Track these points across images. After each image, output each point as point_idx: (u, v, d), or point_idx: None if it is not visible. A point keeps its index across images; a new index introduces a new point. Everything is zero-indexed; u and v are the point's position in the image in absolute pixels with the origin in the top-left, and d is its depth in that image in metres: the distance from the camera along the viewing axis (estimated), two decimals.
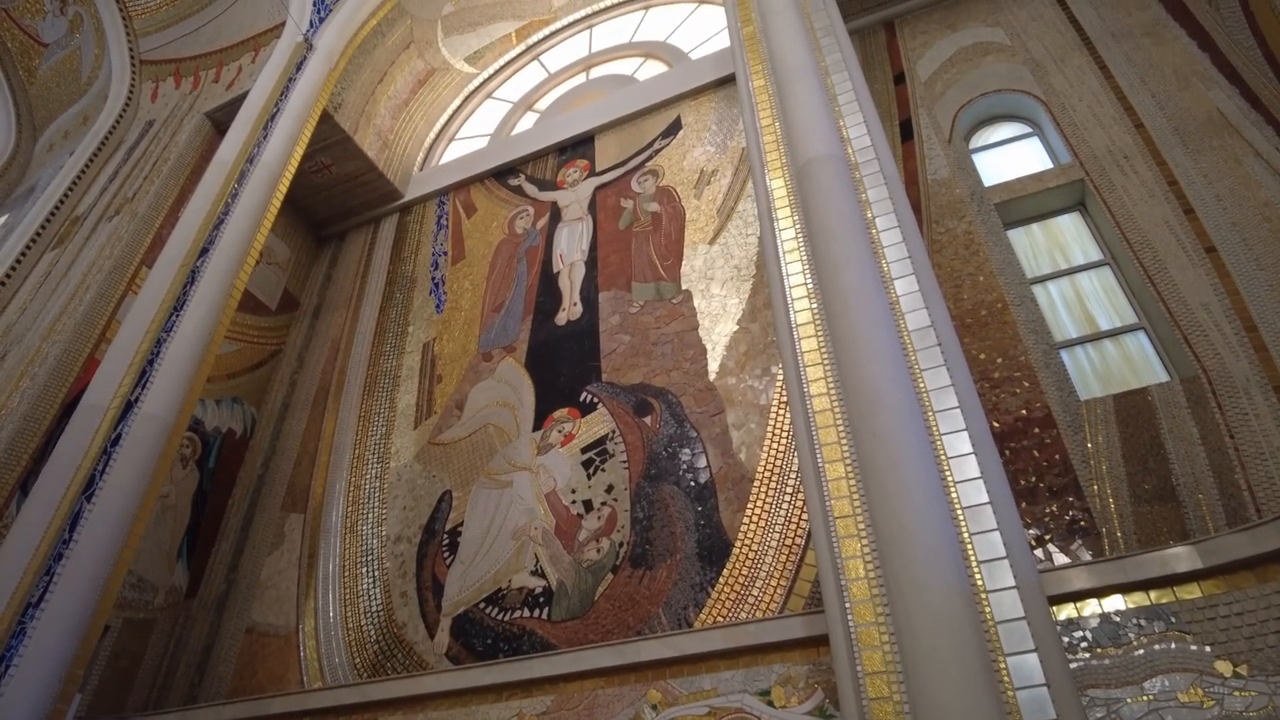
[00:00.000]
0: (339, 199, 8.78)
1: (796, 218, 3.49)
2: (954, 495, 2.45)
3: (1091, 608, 3.07)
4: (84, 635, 4.25)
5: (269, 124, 7.03)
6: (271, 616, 5.92)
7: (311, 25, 8.00)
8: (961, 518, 2.39)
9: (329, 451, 6.76)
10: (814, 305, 3.12)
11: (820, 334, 3.03)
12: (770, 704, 3.32)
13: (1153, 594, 3.07)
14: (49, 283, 7.23)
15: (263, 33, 8.61)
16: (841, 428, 2.72)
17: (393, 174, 8.81)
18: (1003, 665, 2.10)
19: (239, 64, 8.59)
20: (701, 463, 5.00)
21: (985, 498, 2.42)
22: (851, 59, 4.25)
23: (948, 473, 2.50)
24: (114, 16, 9.50)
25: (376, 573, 5.67)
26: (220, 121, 8.09)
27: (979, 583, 2.26)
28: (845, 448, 2.68)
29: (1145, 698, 2.86)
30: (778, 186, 3.71)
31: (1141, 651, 2.95)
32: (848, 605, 2.34)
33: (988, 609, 2.19)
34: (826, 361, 2.93)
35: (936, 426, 2.61)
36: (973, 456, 2.52)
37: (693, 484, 4.94)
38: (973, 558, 2.31)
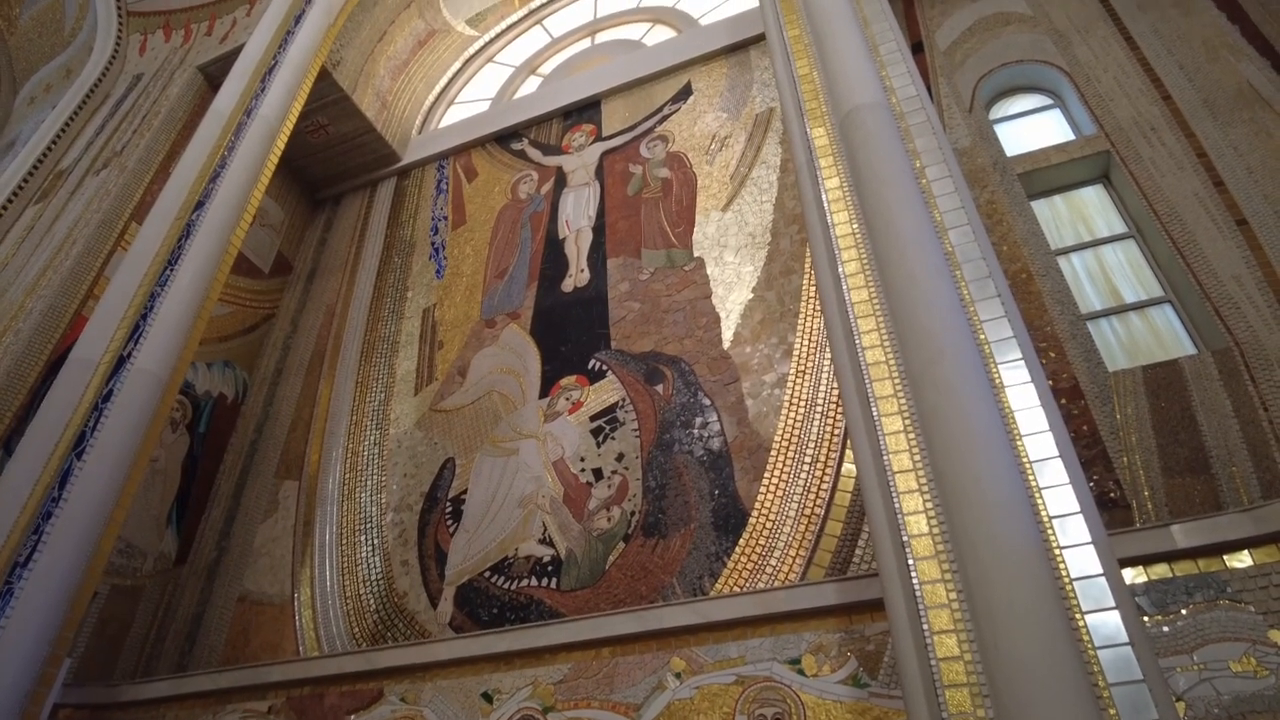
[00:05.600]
0: (335, 160, 8.52)
1: (841, 167, 3.34)
2: (1020, 448, 2.33)
3: (1138, 576, 2.98)
4: (74, 597, 4.05)
5: (267, 76, 6.75)
6: (265, 585, 5.74)
7: None
8: (1030, 471, 2.27)
9: (325, 418, 6.56)
10: (863, 255, 2.98)
11: (871, 284, 2.89)
12: (801, 672, 3.21)
13: (1201, 562, 2.98)
14: (32, 237, 6.94)
15: None
16: (899, 380, 2.60)
17: (391, 136, 8.56)
18: (1081, 623, 1.98)
19: (233, 17, 8.29)
20: (716, 431, 4.87)
21: (1054, 451, 2.31)
22: (888, 10, 4.10)
23: (1014, 425, 2.38)
24: None
25: (376, 541, 5.50)
26: (213, 76, 7.80)
27: (1051, 538, 2.14)
28: (903, 400, 2.55)
29: (1196, 667, 2.78)
30: (819, 135, 3.56)
31: (1191, 620, 2.86)
32: (910, 562, 2.22)
33: (1063, 565, 2.08)
34: (879, 312, 2.80)
35: (1000, 378, 2.48)
36: (1040, 409, 2.40)
37: (707, 453, 4.81)
38: (1044, 512, 2.19)
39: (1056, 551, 2.10)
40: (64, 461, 4.43)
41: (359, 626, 5.12)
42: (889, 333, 2.72)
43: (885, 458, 2.45)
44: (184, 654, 5.62)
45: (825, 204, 3.28)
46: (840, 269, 3.00)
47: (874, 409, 2.57)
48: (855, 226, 3.11)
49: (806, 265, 5.34)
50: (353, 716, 4.15)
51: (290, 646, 5.26)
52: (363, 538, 5.59)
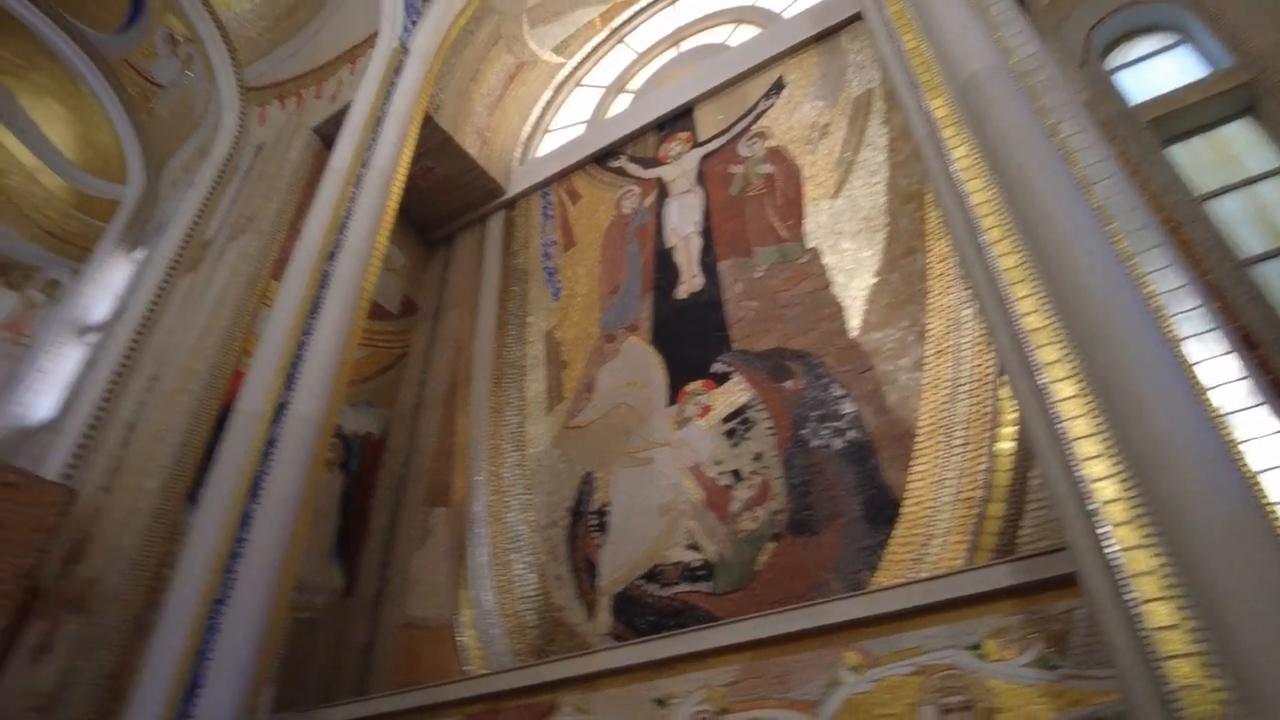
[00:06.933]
0: (445, 201, 8.89)
1: (967, 134, 3.24)
2: (1208, 401, 2.18)
3: None
4: (268, 630, 4.37)
5: (376, 129, 7.14)
6: (427, 609, 6.00)
7: (405, 30, 8.11)
8: (1224, 424, 2.12)
9: (465, 445, 6.83)
10: (1005, 221, 2.87)
11: (1019, 250, 2.78)
12: (983, 658, 3.09)
13: None
14: (189, 305, 7.56)
15: (357, 45, 8.80)
16: (1066, 344, 2.48)
17: (494, 170, 8.87)
18: None
19: (338, 77, 8.80)
20: (854, 422, 4.77)
21: (1251, 400, 2.15)
22: None
23: (1197, 378, 2.23)
24: (220, 50, 9.90)
25: (530, 559, 5.67)
26: (326, 134, 8.28)
27: (1261, 493, 1.99)
28: (1073, 364, 2.43)
29: None
30: (938, 107, 3.46)
31: None
32: (1104, 531, 2.11)
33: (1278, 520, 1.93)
34: (1033, 277, 2.68)
35: (1175, 331, 2.33)
36: (1234, 355, 2.24)
37: (848, 445, 4.72)
38: (1247, 467, 2.04)
39: (1269, 506, 1.95)
40: (243, 506, 4.79)
41: (521, 643, 5.27)
42: (1047, 296, 2.60)
43: (1059, 426, 2.34)
44: (361, 680, 5.94)
45: (955, 175, 3.18)
46: (983, 238, 2.90)
47: (1041, 377, 2.46)
48: (992, 193, 3.00)
49: (930, 242, 5.18)
50: None
51: (455, 668, 5.47)
52: (514, 556, 5.77)
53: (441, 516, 6.49)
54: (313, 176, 8.02)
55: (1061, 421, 2.35)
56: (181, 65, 10.39)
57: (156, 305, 7.93)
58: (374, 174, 6.72)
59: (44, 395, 9.22)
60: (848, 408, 4.84)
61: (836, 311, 5.35)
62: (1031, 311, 2.61)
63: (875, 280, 5.29)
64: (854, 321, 5.21)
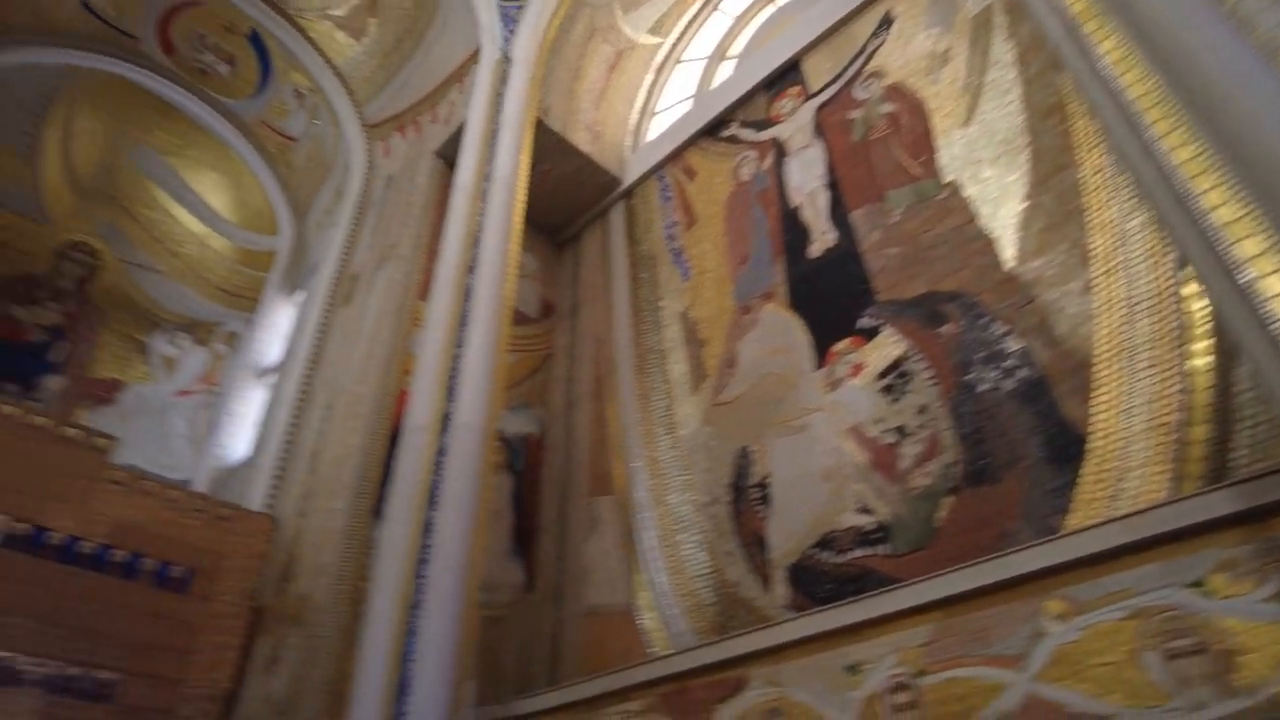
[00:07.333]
0: (566, 201, 9.04)
1: (1113, 24, 2.91)
2: None
3: None
4: (462, 628, 4.62)
5: (493, 142, 7.36)
6: (605, 597, 6.16)
7: (504, 40, 8.30)
8: None
9: (618, 434, 6.95)
10: (1173, 111, 2.56)
11: (1194, 139, 2.47)
12: (1209, 595, 2.80)
13: None
14: (349, 336, 8.11)
15: (462, 64, 9.09)
16: (1270, 232, 2.17)
17: (608, 163, 8.94)
18: None
19: (449, 99, 9.13)
20: (1024, 359, 4.46)
21: None
22: None
23: None
24: (340, 95, 10.54)
25: (697, 537, 5.70)
26: (448, 155, 8.60)
27: None
28: None
29: None
30: (1074, 1, 3.15)
31: None
32: None
33: None
34: (1216, 166, 2.38)
35: None
36: None
37: (1019, 384, 4.41)
38: None
39: None
40: (424, 515, 5.08)
41: (701, 620, 5.31)
42: (1238, 184, 2.30)
43: (1274, 327, 2.06)
44: (552, 670, 6.19)
45: (1105, 72, 2.88)
46: (1148, 135, 2.61)
47: (1244, 274, 2.18)
48: (1152, 84, 2.69)
49: (1080, 155, 4.75)
50: (720, 705, 4.29)
51: (640, 650, 5.58)
52: (682, 536, 5.81)
53: (607, 505, 6.64)
54: (441, 198, 8.37)
55: (1275, 322, 2.07)
56: (309, 116, 11.14)
57: (320, 340, 8.55)
58: (498, 185, 6.94)
59: (239, 436, 10.19)
60: (1014, 345, 4.53)
61: (987, 245, 5.01)
62: (1221, 204, 2.31)
63: (1025, 205, 4.91)
64: (1008, 252, 4.86)
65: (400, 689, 4.46)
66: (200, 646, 6.29)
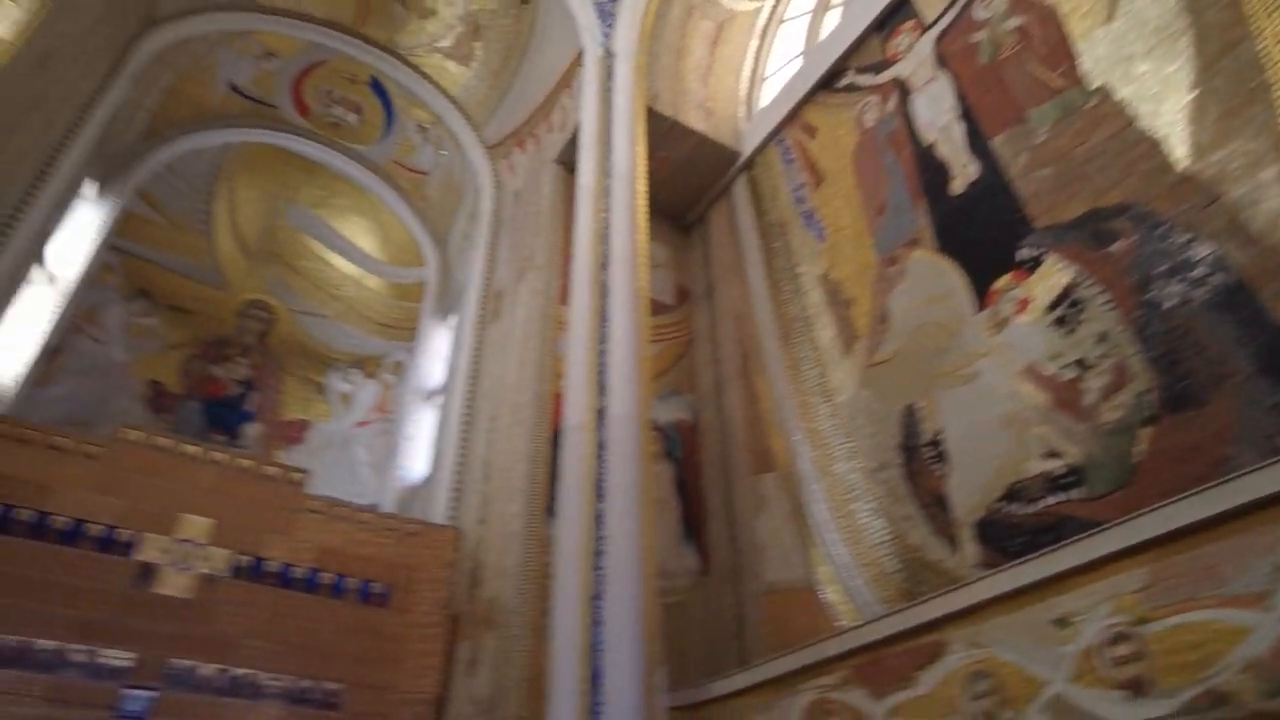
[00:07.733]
0: (688, 184, 8.98)
1: None
2: None
3: None
4: (645, 614, 4.68)
5: (608, 138, 7.41)
6: (784, 573, 6.07)
7: (604, 36, 8.34)
8: None
9: (773, 409, 6.82)
10: None
11: None
12: None
13: None
14: (502, 349, 8.44)
15: (568, 68, 9.23)
16: None
17: (724, 138, 8.80)
18: None
19: (560, 106, 9.29)
20: (1217, 264, 3.97)
21: None
22: None
23: None
24: (459, 122, 10.99)
25: (871, 505, 5.50)
26: (567, 161, 8.75)
27: None
28: None
29: None
30: None
31: None
32: None
33: None
34: None
35: None
36: None
37: (1214, 292, 3.93)
38: None
39: None
40: (594, 508, 5.20)
41: (888, 589, 5.12)
42: None
43: None
44: (739, 650, 6.17)
45: None
46: None
47: None
48: None
49: (1257, 24, 4.15)
50: (919, 672, 4.10)
51: (826, 624, 5.45)
52: (855, 505, 5.62)
53: (771, 481, 6.53)
54: (567, 203, 8.53)
55: None
56: (435, 148, 11.68)
57: (477, 357, 8.96)
58: (618, 180, 6.99)
59: (416, 456, 10.86)
60: (1202, 250, 4.04)
61: (1152, 148, 4.50)
62: None
63: (1193, 95, 4.36)
64: (1179, 151, 4.34)
65: (593, 679, 4.58)
66: (406, 655, 6.75)
